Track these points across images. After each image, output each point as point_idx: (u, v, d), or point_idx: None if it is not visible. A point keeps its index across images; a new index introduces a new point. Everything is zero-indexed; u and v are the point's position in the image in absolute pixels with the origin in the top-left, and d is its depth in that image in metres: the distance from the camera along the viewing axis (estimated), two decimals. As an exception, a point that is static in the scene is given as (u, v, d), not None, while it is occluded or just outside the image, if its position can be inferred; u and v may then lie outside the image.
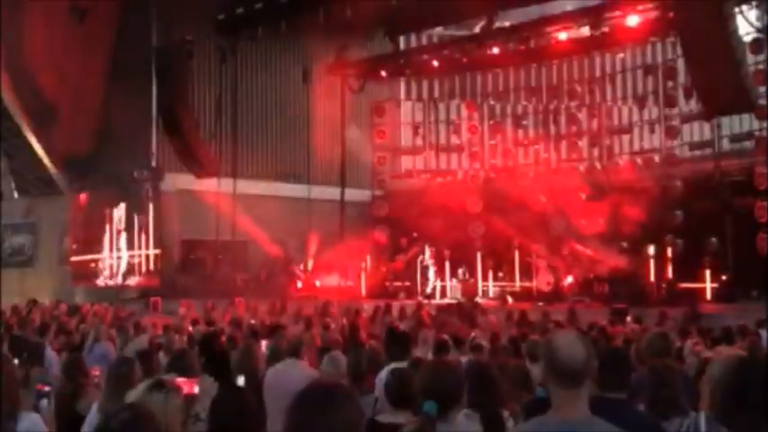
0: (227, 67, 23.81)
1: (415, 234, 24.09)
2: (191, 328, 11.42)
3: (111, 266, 24.31)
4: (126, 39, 24.02)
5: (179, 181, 23.47)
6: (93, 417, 4.92)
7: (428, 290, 22.68)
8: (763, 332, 10.60)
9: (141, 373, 4.95)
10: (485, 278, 22.92)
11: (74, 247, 25.42)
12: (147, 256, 23.46)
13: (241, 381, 5.94)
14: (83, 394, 5.80)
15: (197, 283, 22.31)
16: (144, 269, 23.59)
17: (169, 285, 22.43)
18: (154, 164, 23.96)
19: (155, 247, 23.31)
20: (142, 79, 23.19)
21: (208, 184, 23.20)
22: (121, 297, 22.19)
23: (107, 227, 24.45)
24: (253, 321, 13.13)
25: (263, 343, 8.33)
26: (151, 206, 23.38)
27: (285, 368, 6.43)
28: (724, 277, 18.92)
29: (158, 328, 11.79)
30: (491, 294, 22.41)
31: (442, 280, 23.26)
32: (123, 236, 24.04)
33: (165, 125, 23.09)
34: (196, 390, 4.26)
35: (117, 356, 7.25)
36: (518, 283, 22.58)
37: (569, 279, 21.20)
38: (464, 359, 6.58)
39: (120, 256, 24.08)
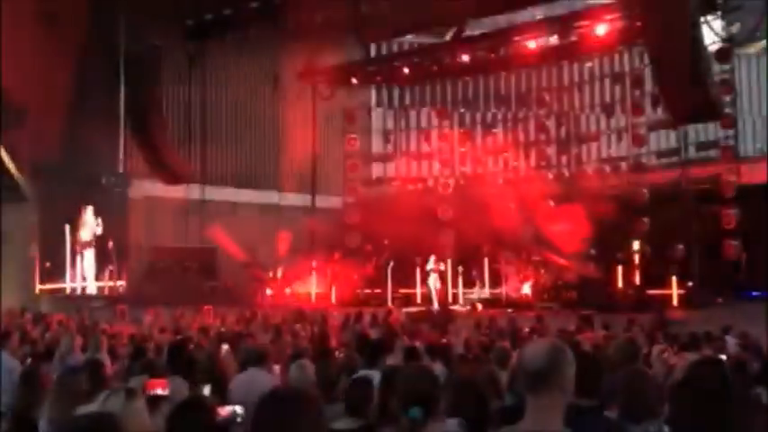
0: (195, 72, 23.68)
1: (385, 241, 24.07)
2: (158, 336, 11.29)
3: (78, 274, 23.97)
4: (95, 43, 23.75)
5: (147, 187, 23.26)
6: (43, 428, 4.81)
7: (435, 299, 22.03)
8: (728, 338, 10.73)
9: (89, 383, 4.83)
10: (454, 285, 22.97)
11: (39, 254, 25.03)
12: (114, 263, 23.16)
13: (207, 390, 5.87)
14: (39, 405, 5.69)
15: (165, 290, 22.07)
16: (111, 276, 23.30)
17: (136, 293, 22.18)
18: (122, 170, 23.72)
19: (122, 254, 23.04)
20: (110, 84, 22.95)
21: (176, 191, 23.01)
22: (88, 305, 21.88)
23: (74, 233, 24.10)
24: (222, 329, 13.01)
25: (230, 351, 8.26)
26: (119, 212, 23.11)
27: (250, 377, 6.38)
28: (690, 284, 19.15)
29: (125, 336, 11.63)
30: (461, 301, 22.46)
31: (413, 287, 23.25)
32: (90, 240, 23.72)
33: (133, 131, 22.88)
34: (165, 391, 4.21)
35: (64, 367, 7.11)
36: (487, 290, 22.65)
37: (538, 286, 21.32)
38: (436, 367, 6.57)
39: (88, 263, 23.76)
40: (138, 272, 23.32)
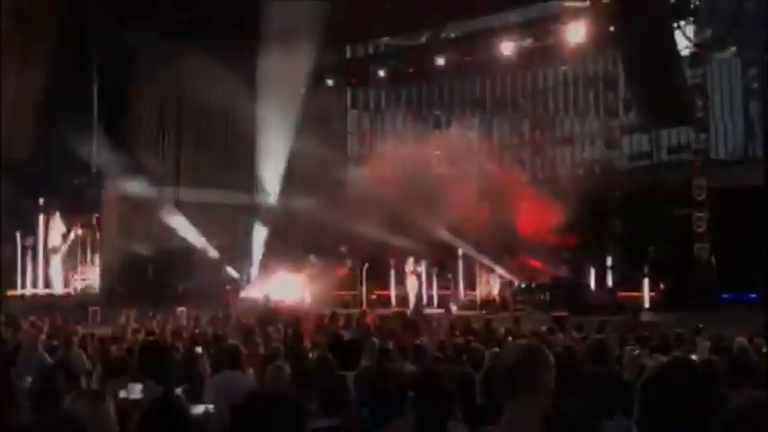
0: (170, 72, 23.51)
1: (360, 243, 24.06)
2: (131, 338, 11.20)
3: (50, 274, 23.70)
4: (68, 42, 23.52)
5: (121, 188, 23.05)
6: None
7: (411, 300, 22.01)
8: (699, 340, 10.85)
9: (58, 385, 4.78)
10: (429, 286, 23.00)
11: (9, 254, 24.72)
12: (87, 264, 22.95)
13: (180, 392, 5.85)
14: (10, 408, 5.62)
15: (138, 291, 21.90)
16: (83, 277, 23.08)
17: (109, 294, 21.99)
18: (95, 170, 23.50)
19: (95, 255, 22.84)
20: (84, 84, 22.74)
21: (150, 192, 22.84)
22: (60, 306, 21.65)
23: (45, 234, 23.83)
24: (196, 331, 12.95)
25: (204, 353, 8.22)
26: (91, 213, 22.90)
27: (224, 379, 6.36)
28: (662, 286, 19.33)
29: (97, 337, 11.53)
30: (435, 303, 22.50)
31: (387, 289, 23.26)
32: (62, 242, 23.46)
33: (106, 131, 22.68)
34: (139, 394, 4.19)
35: (42, 369, 7.03)
36: (462, 292, 22.71)
37: (512, 288, 21.42)
38: (409, 368, 6.58)
39: (60, 264, 23.50)
40: (111, 273, 23.10)
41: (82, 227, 23.10)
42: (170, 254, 23.29)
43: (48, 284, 23.39)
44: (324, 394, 4.58)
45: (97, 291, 22.50)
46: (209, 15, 22.21)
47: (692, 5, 18.98)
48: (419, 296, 22.36)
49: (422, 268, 22.69)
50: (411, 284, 22.55)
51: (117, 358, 7.47)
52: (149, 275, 23.50)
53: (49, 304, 21.50)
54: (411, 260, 22.34)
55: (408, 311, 19.30)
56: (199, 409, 4.95)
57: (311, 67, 25.38)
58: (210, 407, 4.99)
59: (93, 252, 22.99)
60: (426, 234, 23.41)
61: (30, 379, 5.77)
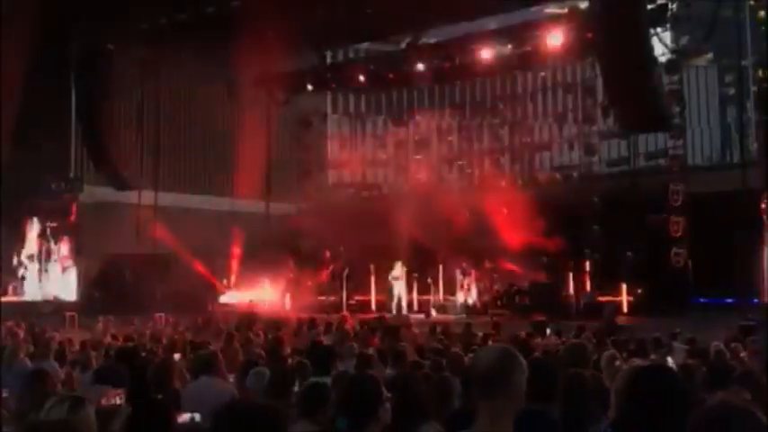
0: (149, 77, 23.40)
1: (341, 248, 24.04)
2: (109, 344, 11.12)
3: (26, 279, 23.47)
4: (46, 45, 23.34)
5: (98, 193, 22.90)
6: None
7: (393, 306, 21.80)
8: (675, 344, 10.94)
9: (35, 391, 4.77)
10: (409, 291, 23.00)
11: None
12: (64, 269, 22.75)
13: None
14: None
15: (116, 297, 21.75)
16: (61, 282, 22.87)
17: (87, 299, 21.81)
18: (72, 175, 23.32)
19: (72, 260, 22.65)
20: (61, 87, 22.57)
21: (128, 196, 22.70)
22: (37, 312, 21.44)
23: (22, 239, 23.61)
24: (175, 336, 12.87)
25: (182, 359, 8.18)
26: (69, 218, 22.72)
27: (202, 385, 6.33)
28: (639, 291, 19.47)
29: (75, 343, 11.44)
30: (415, 307, 22.51)
31: (367, 294, 23.25)
32: (37, 248, 23.25)
33: (84, 135, 22.53)
34: (120, 400, 4.17)
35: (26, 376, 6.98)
36: (442, 297, 22.73)
37: (492, 292, 21.49)
38: (389, 373, 6.60)
39: (38, 269, 23.29)
40: (89, 278, 22.92)
41: (59, 232, 22.90)
42: (148, 259, 23.14)
43: (23, 290, 23.19)
44: (303, 400, 4.58)
45: (74, 296, 22.29)
46: (188, 20, 22.10)
47: (669, 12, 19.14)
48: (404, 300, 22.21)
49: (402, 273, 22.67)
50: (398, 288, 22.36)
51: (97, 365, 7.42)
52: (127, 281, 23.33)
53: (25, 310, 21.32)
54: (399, 264, 22.28)
55: (389, 316, 19.27)
56: (185, 417, 4.93)
57: (291, 72, 25.41)
58: (197, 415, 4.97)
59: (70, 257, 22.78)
60: (406, 239, 23.43)
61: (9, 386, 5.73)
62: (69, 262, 22.85)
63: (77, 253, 22.72)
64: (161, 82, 23.91)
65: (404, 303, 21.95)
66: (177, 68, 24.87)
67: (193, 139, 25.56)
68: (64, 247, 22.87)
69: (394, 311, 21.00)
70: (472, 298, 21.56)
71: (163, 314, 18.59)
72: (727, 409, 2.39)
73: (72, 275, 22.88)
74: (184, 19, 22.13)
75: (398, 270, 22.23)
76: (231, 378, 7.18)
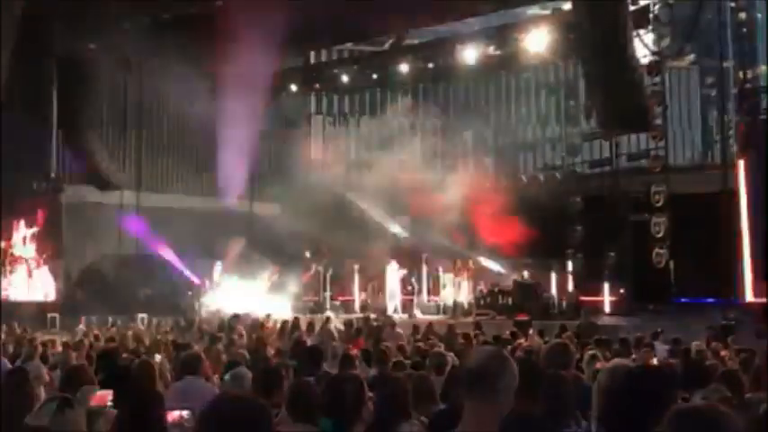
0: (132, 76, 23.29)
1: (324, 248, 24.02)
2: (90, 345, 11.05)
3: (8, 280, 23.26)
4: (26, 45, 23.15)
5: (80, 193, 22.74)
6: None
7: (389, 309, 21.43)
8: (657, 344, 11.02)
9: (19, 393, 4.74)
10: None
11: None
12: (46, 269, 22.57)
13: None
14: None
15: (98, 298, 21.60)
16: (42, 283, 22.68)
17: (69, 300, 21.65)
18: (53, 175, 23.14)
19: (52, 260, 22.46)
20: (42, 87, 22.38)
21: (111, 197, 22.57)
22: (17, 313, 21.28)
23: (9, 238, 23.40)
24: (158, 337, 12.82)
25: (165, 359, 8.15)
26: (51, 218, 22.54)
27: (185, 386, 6.31)
28: (622, 290, 19.59)
29: (56, 345, 11.37)
30: (398, 307, 22.50)
31: (351, 294, 23.22)
32: (20, 248, 23.05)
33: (65, 136, 22.36)
34: (108, 403, 4.16)
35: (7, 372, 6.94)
36: (425, 297, 22.76)
37: (475, 293, 21.53)
38: (372, 373, 6.60)
39: (18, 270, 23.09)
40: (70, 279, 22.77)
41: (41, 233, 22.72)
42: (131, 260, 23.02)
43: (5, 290, 22.99)
44: (290, 400, 4.56)
45: (57, 297, 22.12)
46: (170, 19, 22.01)
47: (650, 14, 19.27)
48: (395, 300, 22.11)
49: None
50: (391, 288, 22.21)
51: (79, 366, 7.37)
52: (109, 282, 23.19)
53: (6, 311, 21.14)
54: (394, 262, 22.18)
55: (372, 317, 19.25)
56: (174, 415, 4.90)
57: (275, 72, 25.34)
58: (185, 413, 4.94)
59: (52, 258, 22.60)
60: (391, 239, 23.47)
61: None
62: (50, 262, 22.65)
63: (59, 254, 22.53)
64: (143, 81, 23.77)
65: (398, 303, 21.85)
66: (160, 68, 24.72)
67: (176, 139, 25.44)
68: (44, 248, 22.67)
69: (390, 311, 20.85)
70: (456, 298, 21.58)
71: (145, 315, 18.52)
72: (699, 409, 2.41)
73: (51, 276, 22.68)
74: (167, 19, 22.04)
75: (394, 269, 22.15)
76: (215, 379, 7.17)
